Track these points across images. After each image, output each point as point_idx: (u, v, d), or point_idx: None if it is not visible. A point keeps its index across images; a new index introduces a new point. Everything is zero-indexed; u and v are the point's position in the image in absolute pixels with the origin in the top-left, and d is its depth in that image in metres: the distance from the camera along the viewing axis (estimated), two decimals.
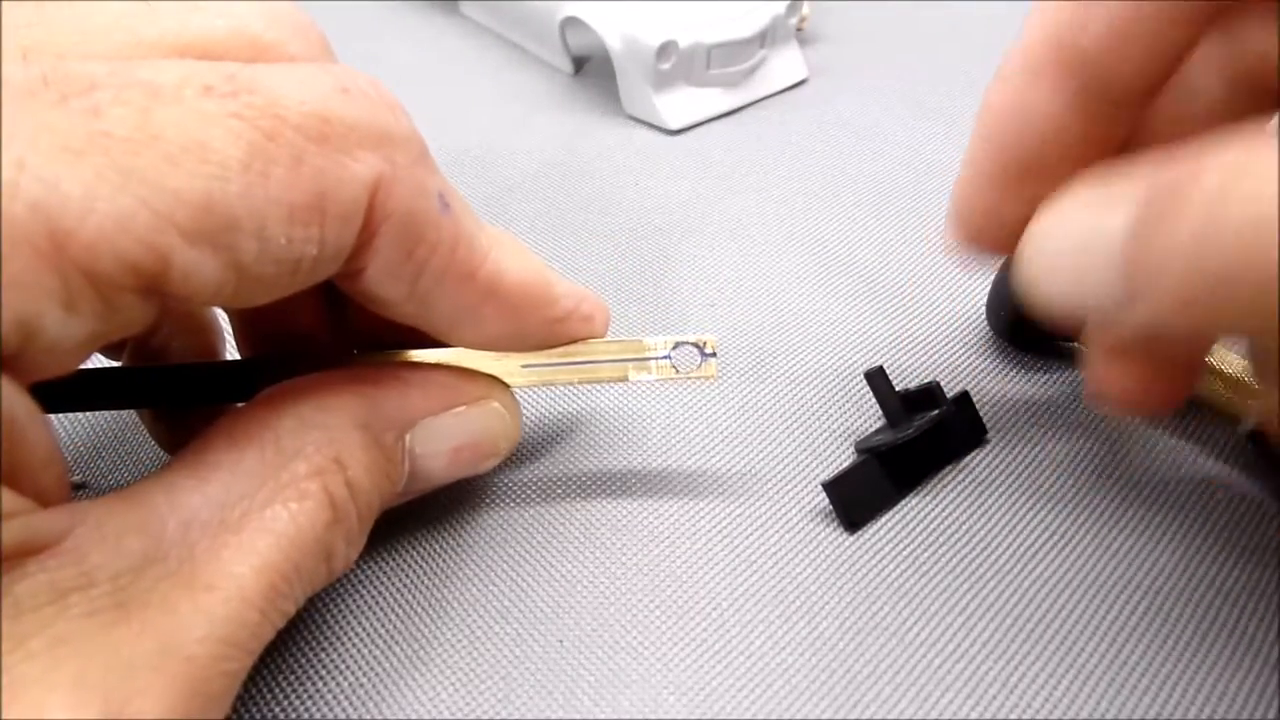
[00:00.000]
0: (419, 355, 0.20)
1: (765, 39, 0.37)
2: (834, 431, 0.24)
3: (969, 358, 0.26)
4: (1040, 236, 0.17)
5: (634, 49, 0.35)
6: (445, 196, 0.17)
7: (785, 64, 0.39)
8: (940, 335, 0.27)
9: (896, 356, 0.26)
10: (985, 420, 0.24)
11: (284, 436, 0.17)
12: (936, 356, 0.26)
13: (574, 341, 0.20)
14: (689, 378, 0.21)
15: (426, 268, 0.17)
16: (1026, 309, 0.18)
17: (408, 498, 0.20)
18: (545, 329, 0.20)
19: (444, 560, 0.21)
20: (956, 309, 0.28)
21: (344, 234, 0.15)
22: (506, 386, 0.20)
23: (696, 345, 0.21)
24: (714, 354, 0.21)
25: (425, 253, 0.17)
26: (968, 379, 0.26)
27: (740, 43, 0.36)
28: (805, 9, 0.40)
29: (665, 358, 0.21)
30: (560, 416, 0.25)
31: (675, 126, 0.36)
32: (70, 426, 0.25)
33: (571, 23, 0.38)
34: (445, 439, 0.19)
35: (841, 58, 0.41)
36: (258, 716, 0.18)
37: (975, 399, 0.24)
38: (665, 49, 0.35)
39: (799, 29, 0.40)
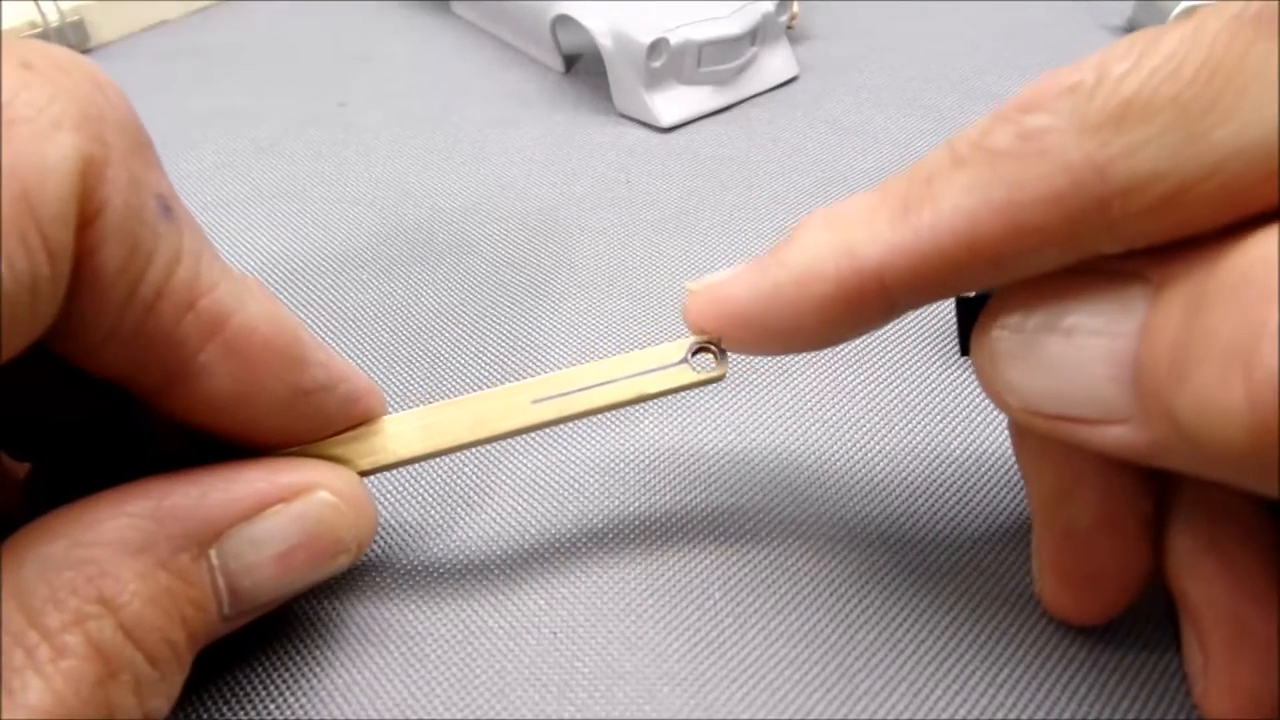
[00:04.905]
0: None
1: (756, 37, 0.38)
2: (826, 424, 0.24)
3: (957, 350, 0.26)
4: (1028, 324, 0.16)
5: (625, 47, 0.36)
6: (167, 201, 0.15)
7: (775, 61, 0.39)
8: (934, 329, 0.27)
9: (887, 350, 0.27)
10: (976, 413, 0.24)
11: (26, 586, 0.14)
12: (929, 348, 0.27)
13: (351, 428, 0.18)
14: (704, 380, 0.19)
15: (140, 286, 0.14)
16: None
17: (246, 619, 0.17)
18: (290, 398, 0.17)
19: (436, 554, 0.21)
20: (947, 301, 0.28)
21: (62, 232, 0.13)
22: (345, 469, 0.18)
23: (711, 346, 0.19)
24: (725, 351, 0.19)
25: (140, 265, 0.14)
26: (962, 372, 0.26)
27: (731, 40, 0.36)
28: (795, 7, 0.40)
29: (683, 362, 0.19)
30: None
31: (666, 124, 0.36)
32: None
33: (563, 21, 0.38)
34: (265, 545, 0.16)
35: (831, 55, 0.41)
36: (251, 715, 0.18)
37: (968, 396, 0.24)
38: (656, 47, 0.35)
39: (789, 27, 0.40)
